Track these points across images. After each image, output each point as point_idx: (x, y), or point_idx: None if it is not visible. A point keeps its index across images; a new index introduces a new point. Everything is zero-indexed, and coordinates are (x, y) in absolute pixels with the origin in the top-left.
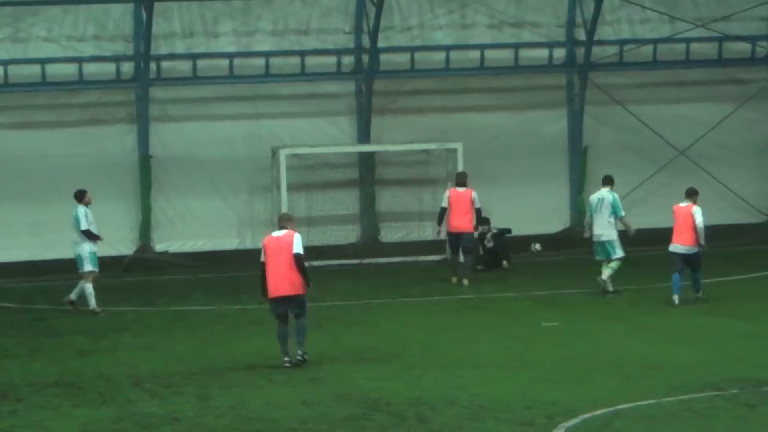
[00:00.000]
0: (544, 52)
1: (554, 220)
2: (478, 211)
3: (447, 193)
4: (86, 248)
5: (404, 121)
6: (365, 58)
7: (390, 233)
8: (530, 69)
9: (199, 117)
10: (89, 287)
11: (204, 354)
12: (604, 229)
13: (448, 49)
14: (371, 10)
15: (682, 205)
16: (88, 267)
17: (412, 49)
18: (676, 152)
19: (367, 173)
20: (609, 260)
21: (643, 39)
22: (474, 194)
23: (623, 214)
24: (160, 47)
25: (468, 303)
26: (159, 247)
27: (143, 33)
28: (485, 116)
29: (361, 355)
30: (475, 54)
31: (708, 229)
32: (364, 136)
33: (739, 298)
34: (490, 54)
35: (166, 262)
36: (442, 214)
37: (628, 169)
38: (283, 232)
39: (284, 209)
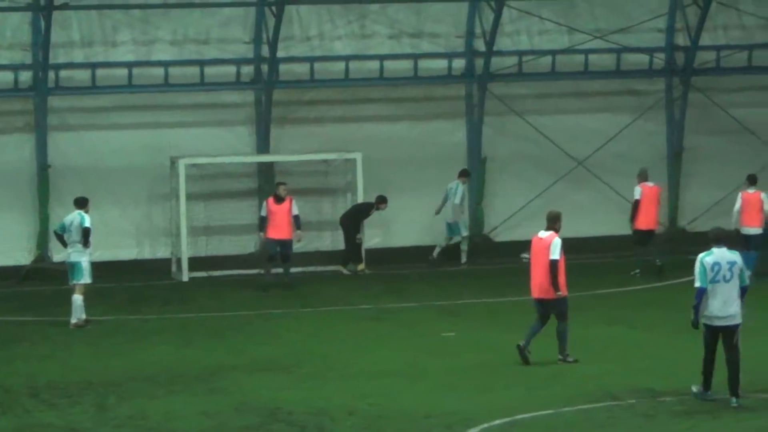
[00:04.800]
0: (443, 63)
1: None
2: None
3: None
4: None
5: (304, 131)
6: (265, 67)
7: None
8: (429, 79)
9: (97, 126)
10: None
11: (102, 364)
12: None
13: (347, 59)
14: (271, 20)
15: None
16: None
17: (312, 59)
18: (575, 163)
19: (266, 183)
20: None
21: (541, 50)
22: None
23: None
24: (58, 56)
25: (368, 313)
26: (57, 257)
27: (41, 41)
28: (385, 126)
29: (261, 365)
30: (375, 64)
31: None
32: (263, 145)
33: (638, 308)
34: (389, 64)
35: (65, 272)
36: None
37: (526, 179)
38: None
39: (183, 219)
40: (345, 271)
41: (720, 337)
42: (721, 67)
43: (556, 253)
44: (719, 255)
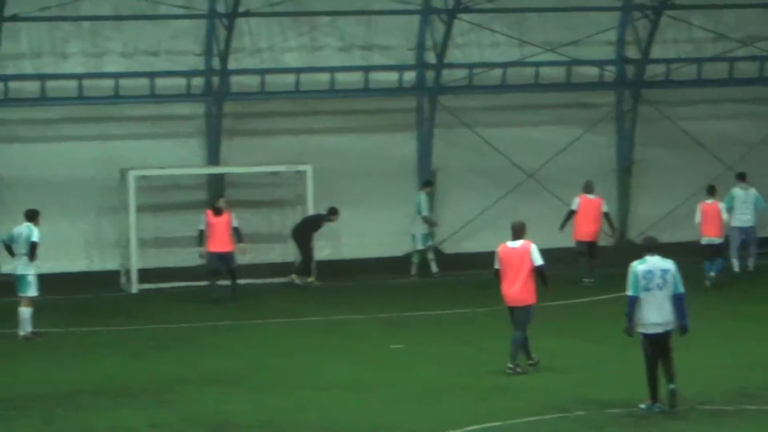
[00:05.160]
0: (393, 75)
1: (403, 242)
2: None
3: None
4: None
5: (254, 143)
6: (215, 80)
7: (239, 255)
8: (380, 92)
9: (47, 138)
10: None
11: (50, 376)
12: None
13: (298, 71)
14: (222, 33)
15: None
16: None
17: (263, 72)
18: (525, 175)
19: (216, 195)
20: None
21: (492, 62)
22: None
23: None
24: (7, 68)
25: (317, 325)
26: (5, 269)
27: None
28: (335, 139)
29: (209, 377)
30: (325, 77)
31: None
32: (213, 157)
33: (585, 320)
34: (340, 77)
35: (11, 284)
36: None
37: (477, 191)
38: None
39: (132, 231)
40: (297, 282)
41: (657, 344)
42: (671, 80)
43: (540, 259)
44: (652, 263)
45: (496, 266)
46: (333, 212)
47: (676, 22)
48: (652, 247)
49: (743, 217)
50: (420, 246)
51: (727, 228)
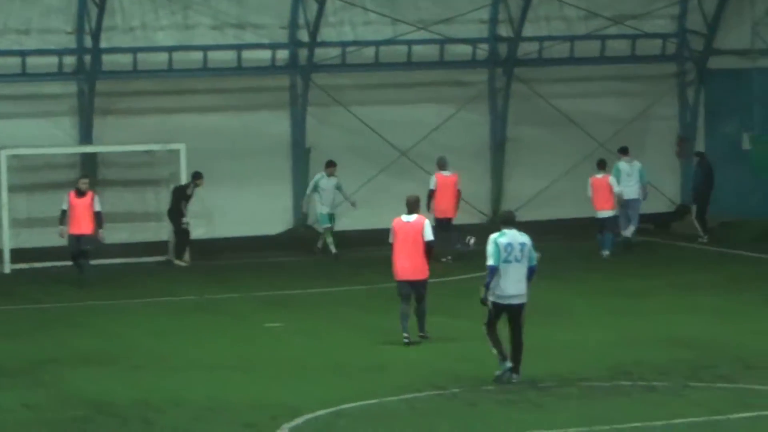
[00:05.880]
0: (266, 54)
1: (278, 221)
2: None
3: None
4: None
5: (127, 122)
6: (87, 58)
7: (113, 234)
8: (253, 70)
9: None
10: None
11: None
12: None
13: (170, 50)
14: (93, 11)
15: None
16: None
17: (135, 50)
18: (399, 153)
19: (89, 174)
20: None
21: (365, 41)
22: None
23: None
24: None
25: (193, 304)
26: None
27: None
28: (209, 117)
29: (86, 357)
30: (198, 55)
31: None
32: (86, 137)
33: (458, 297)
34: (212, 55)
35: None
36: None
37: (351, 170)
38: None
39: (5, 211)
40: (180, 263)
41: (506, 316)
42: (543, 58)
43: (431, 235)
44: (511, 236)
45: (391, 240)
46: (196, 176)
47: (548, 0)
48: (509, 220)
49: (628, 190)
50: (323, 225)
51: (621, 201)
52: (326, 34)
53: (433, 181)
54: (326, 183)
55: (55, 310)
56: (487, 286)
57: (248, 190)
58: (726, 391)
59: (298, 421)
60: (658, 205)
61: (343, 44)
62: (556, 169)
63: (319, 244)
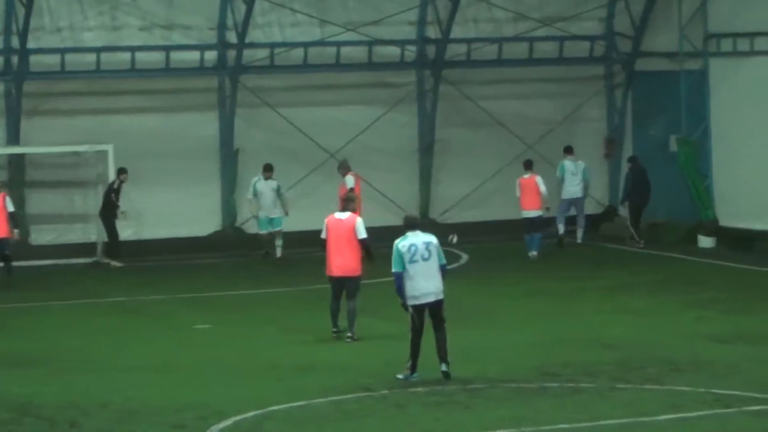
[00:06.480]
0: (195, 55)
1: (206, 222)
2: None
3: None
4: None
5: (55, 123)
6: (14, 59)
7: (40, 235)
8: (181, 71)
9: None
10: None
11: None
12: None
13: (99, 51)
14: (21, 11)
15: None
16: None
17: (63, 51)
18: (327, 155)
19: (16, 175)
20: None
21: (293, 42)
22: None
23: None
24: None
25: (119, 306)
26: None
27: None
28: (137, 118)
29: (11, 359)
30: (126, 56)
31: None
32: (13, 137)
33: (388, 299)
34: (141, 56)
35: None
36: None
37: (279, 171)
38: None
39: None
40: (115, 264)
41: (429, 315)
42: (471, 60)
43: (364, 232)
44: (413, 237)
45: (323, 236)
46: (122, 171)
47: (476, 2)
48: (412, 224)
49: (572, 189)
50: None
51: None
52: (255, 35)
53: (352, 180)
54: (263, 186)
55: None
56: (398, 293)
57: (177, 191)
58: (653, 393)
59: (227, 422)
60: (586, 206)
61: (272, 45)
62: (484, 171)
63: (270, 251)
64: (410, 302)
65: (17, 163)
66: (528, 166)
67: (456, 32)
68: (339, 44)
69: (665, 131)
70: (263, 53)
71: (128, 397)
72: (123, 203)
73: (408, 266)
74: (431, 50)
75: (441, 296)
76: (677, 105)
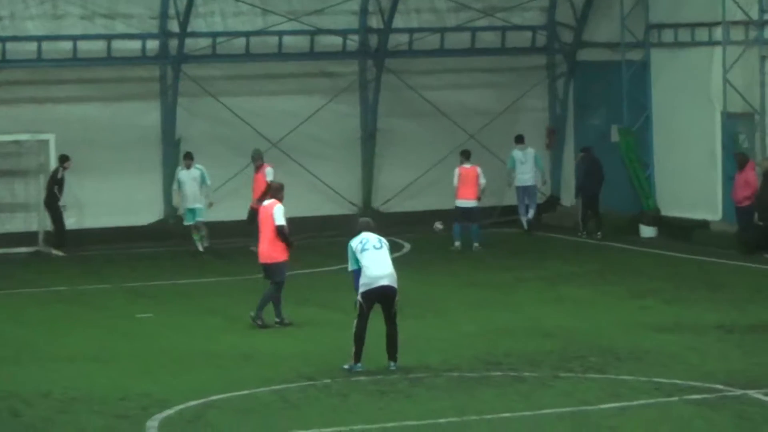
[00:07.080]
0: (137, 44)
1: (148, 212)
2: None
3: None
4: None
5: None
6: None
7: None
8: (123, 60)
9: None
10: None
11: None
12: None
13: (39, 39)
14: None
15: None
16: None
17: (3, 39)
18: (269, 144)
19: None
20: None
21: (235, 32)
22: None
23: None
24: None
25: (60, 295)
26: None
27: None
28: (78, 107)
29: None
30: (68, 45)
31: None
32: None
33: (332, 289)
34: (82, 45)
35: None
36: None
37: (221, 161)
38: None
39: None
40: (57, 252)
41: (381, 308)
42: (413, 50)
43: (280, 219)
44: (366, 235)
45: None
46: (63, 159)
47: None
48: (366, 228)
49: (524, 177)
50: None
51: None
52: (196, 24)
53: (272, 172)
54: (185, 176)
55: None
56: (357, 290)
57: (118, 180)
58: (595, 382)
59: (169, 412)
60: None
61: (214, 35)
62: (426, 161)
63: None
64: (361, 289)
65: None
66: (466, 155)
67: (398, 22)
68: (281, 33)
69: (607, 121)
70: (205, 42)
71: (70, 387)
72: (65, 192)
73: (359, 256)
74: (373, 40)
75: (395, 285)
76: (618, 95)
